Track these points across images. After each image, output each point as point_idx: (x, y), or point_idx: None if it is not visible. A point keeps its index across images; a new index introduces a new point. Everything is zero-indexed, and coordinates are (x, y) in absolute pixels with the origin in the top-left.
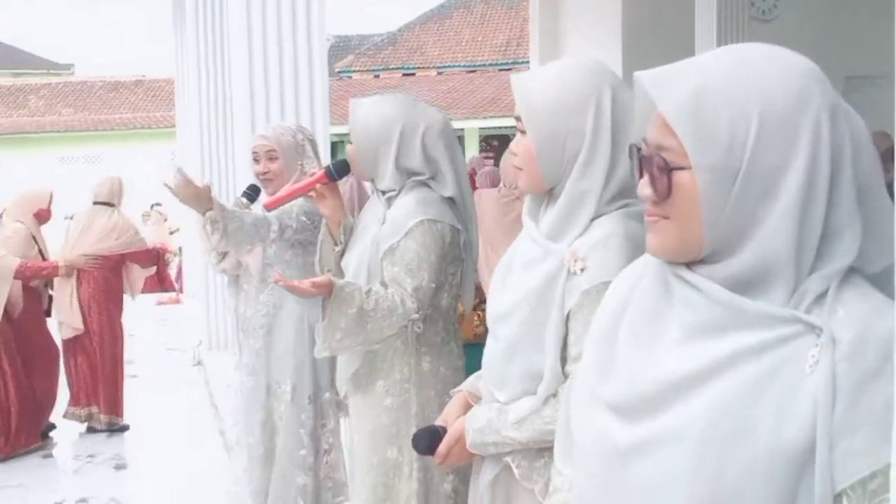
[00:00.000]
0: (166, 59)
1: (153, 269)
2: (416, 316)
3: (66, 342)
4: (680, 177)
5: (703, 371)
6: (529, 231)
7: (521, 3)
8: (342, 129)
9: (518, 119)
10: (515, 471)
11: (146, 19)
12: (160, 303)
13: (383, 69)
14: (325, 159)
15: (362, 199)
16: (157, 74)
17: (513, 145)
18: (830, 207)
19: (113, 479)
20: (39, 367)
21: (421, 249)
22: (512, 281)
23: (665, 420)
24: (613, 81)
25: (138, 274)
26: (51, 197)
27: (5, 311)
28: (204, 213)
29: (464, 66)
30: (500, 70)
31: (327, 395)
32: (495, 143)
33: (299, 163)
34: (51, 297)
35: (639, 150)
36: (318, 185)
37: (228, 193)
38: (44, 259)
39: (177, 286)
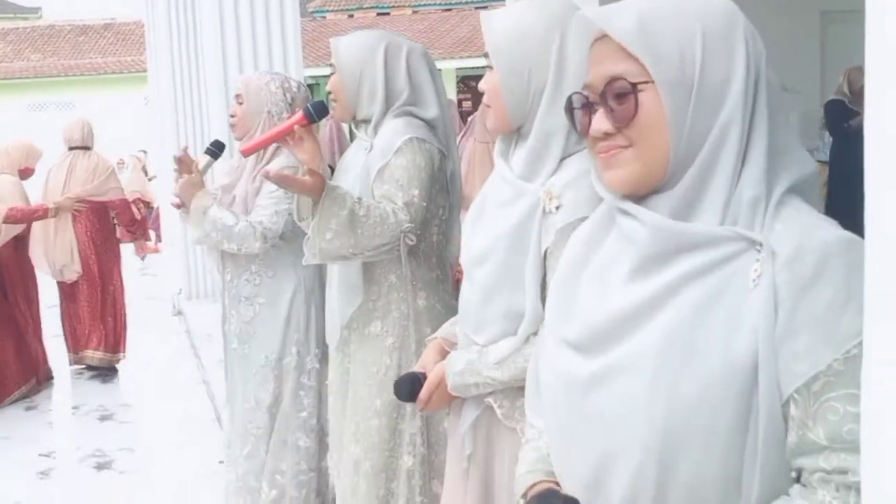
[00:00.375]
0: (135, 0)
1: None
2: (408, 226)
3: (66, 287)
4: (642, 96)
5: (653, 299)
6: (501, 171)
7: None
8: (317, 72)
9: (487, 56)
10: (497, 411)
11: None
12: (139, 252)
13: (357, 8)
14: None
15: (342, 144)
16: (126, 17)
17: (482, 83)
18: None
19: (98, 430)
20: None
21: (411, 166)
22: (485, 223)
23: (621, 350)
24: None
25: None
26: (40, 156)
27: None
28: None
29: (440, 4)
30: (477, 8)
31: (318, 352)
32: (473, 83)
33: (266, 109)
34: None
35: (585, 96)
36: (296, 128)
37: (201, 139)
38: None
39: (153, 235)
